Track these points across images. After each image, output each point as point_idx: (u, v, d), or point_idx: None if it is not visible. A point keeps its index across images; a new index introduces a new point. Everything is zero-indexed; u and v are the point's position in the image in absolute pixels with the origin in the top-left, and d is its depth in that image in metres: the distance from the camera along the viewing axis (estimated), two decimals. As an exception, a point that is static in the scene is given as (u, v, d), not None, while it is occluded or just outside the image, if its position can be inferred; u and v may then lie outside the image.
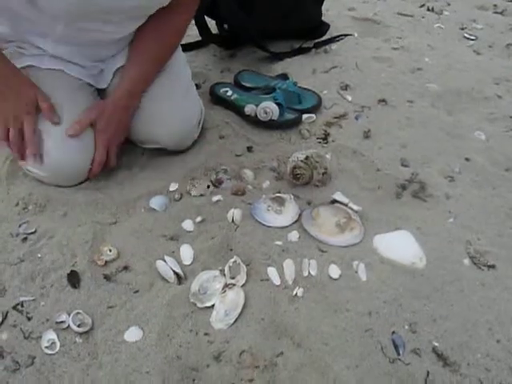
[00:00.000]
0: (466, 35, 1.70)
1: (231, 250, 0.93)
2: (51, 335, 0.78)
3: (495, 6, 1.97)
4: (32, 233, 0.95)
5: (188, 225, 0.97)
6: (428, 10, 1.91)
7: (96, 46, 1.06)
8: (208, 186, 1.05)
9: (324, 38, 1.65)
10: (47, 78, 1.01)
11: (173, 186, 1.06)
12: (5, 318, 0.81)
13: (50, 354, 0.75)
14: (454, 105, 1.35)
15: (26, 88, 0.95)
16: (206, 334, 0.79)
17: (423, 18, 1.86)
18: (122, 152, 1.13)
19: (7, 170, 1.11)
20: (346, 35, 1.69)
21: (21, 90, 0.92)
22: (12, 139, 0.96)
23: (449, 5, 1.95)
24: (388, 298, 0.84)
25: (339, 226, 0.97)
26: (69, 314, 0.80)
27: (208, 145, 1.18)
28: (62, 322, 0.79)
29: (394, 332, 0.78)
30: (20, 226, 0.97)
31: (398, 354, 0.76)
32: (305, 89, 1.34)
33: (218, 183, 1.07)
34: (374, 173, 1.11)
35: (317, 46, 1.61)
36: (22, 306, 0.82)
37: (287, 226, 0.97)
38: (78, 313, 0.80)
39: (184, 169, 1.11)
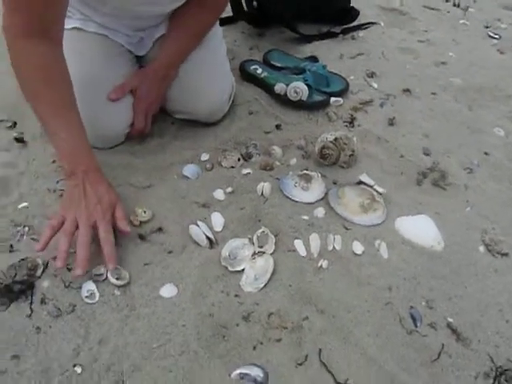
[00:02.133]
0: (490, 34, 1.72)
1: (259, 220, 0.97)
2: (91, 286, 0.82)
3: (520, 6, 1.99)
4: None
5: (219, 194, 1.02)
6: (454, 5, 1.92)
7: (139, 20, 1.09)
8: (238, 159, 1.09)
9: (352, 24, 1.67)
10: (91, 42, 1.04)
11: (204, 156, 1.10)
12: (46, 267, 0.85)
13: (90, 304, 0.80)
14: (476, 100, 1.38)
15: (109, 197, 0.88)
16: (236, 296, 0.84)
17: (448, 12, 1.88)
18: (154, 121, 1.16)
19: (40, 129, 1.14)
20: (372, 23, 1.71)
21: (104, 196, 0.87)
22: (83, 240, 0.82)
23: (474, 2, 1.97)
24: (407, 276, 0.89)
25: (363, 206, 1.01)
26: (107, 268, 0.85)
27: (238, 120, 1.22)
28: (100, 274, 0.84)
29: (411, 306, 0.84)
30: (57, 182, 1.00)
31: (416, 326, 0.81)
32: (333, 73, 1.37)
33: (247, 157, 1.11)
34: (397, 159, 1.15)
35: (344, 31, 1.63)
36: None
37: (313, 203, 1.02)
38: (116, 267, 0.85)
39: (215, 141, 1.15)
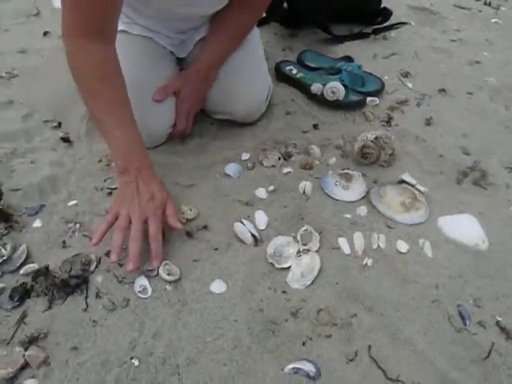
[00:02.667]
0: (523, 32, 1.71)
1: (302, 219, 0.98)
2: (143, 281, 0.85)
3: (553, 4, 1.97)
4: (116, 188, 1.01)
5: (261, 192, 1.03)
6: (485, 3, 1.91)
7: (180, 22, 1.11)
8: (279, 158, 1.10)
9: (383, 24, 1.67)
10: (136, 44, 1.07)
11: (244, 156, 1.12)
12: (99, 262, 0.88)
13: (143, 298, 0.82)
14: (512, 100, 1.38)
15: (161, 194, 0.90)
16: (283, 292, 0.85)
17: (480, 11, 1.87)
18: (194, 121, 1.18)
19: (85, 128, 1.18)
20: (403, 23, 1.71)
21: (156, 194, 0.89)
22: (135, 235, 0.84)
23: (506, 0, 1.95)
24: (453, 274, 0.89)
25: (404, 205, 1.02)
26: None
27: (275, 120, 1.23)
28: (152, 270, 0.86)
29: (459, 305, 0.84)
30: (105, 180, 1.03)
31: (465, 324, 0.81)
32: (368, 73, 1.38)
33: (287, 156, 1.12)
34: (436, 158, 1.15)
35: (376, 32, 1.64)
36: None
37: (355, 201, 1.02)
38: (167, 263, 0.87)
39: (254, 140, 1.16)
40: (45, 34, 1.57)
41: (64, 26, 0.86)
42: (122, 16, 1.06)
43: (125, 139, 0.89)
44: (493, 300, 0.85)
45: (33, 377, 0.72)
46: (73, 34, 0.86)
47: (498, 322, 0.82)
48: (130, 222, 0.86)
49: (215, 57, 1.11)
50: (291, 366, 0.74)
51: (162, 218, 0.88)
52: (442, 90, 1.38)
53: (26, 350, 0.73)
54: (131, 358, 0.74)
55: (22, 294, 0.81)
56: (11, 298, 0.80)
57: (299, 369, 0.74)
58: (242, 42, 1.15)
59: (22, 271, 0.85)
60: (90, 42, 0.85)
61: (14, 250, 0.88)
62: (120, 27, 1.05)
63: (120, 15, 1.03)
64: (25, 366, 0.72)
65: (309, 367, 0.74)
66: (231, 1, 1.07)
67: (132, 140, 0.90)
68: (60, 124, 1.18)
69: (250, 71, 1.17)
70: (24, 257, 0.87)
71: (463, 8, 1.88)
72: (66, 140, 1.13)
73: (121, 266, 0.87)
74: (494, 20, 1.81)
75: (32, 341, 0.75)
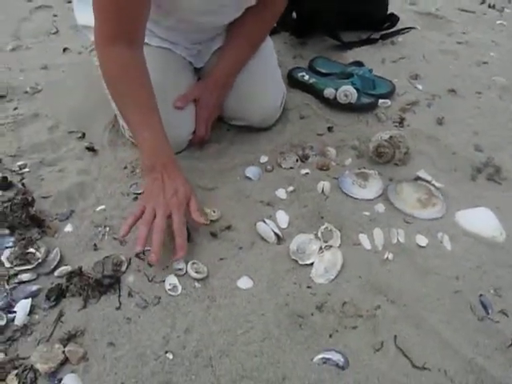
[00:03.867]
0: (528, 32, 1.75)
1: (322, 217, 1.01)
2: (173, 280, 0.88)
3: (556, 4, 2.01)
4: (141, 193, 1.05)
5: (281, 193, 1.06)
6: (489, 6, 1.95)
7: (198, 33, 1.16)
8: (296, 160, 1.14)
9: (390, 30, 1.71)
10: (156, 55, 1.11)
11: (263, 159, 1.15)
12: (129, 263, 0.91)
13: (174, 296, 0.85)
14: (521, 97, 1.40)
15: (184, 189, 0.94)
16: (308, 287, 0.88)
17: (485, 14, 1.91)
18: (212, 128, 1.22)
19: (108, 138, 1.23)
20: (410, 28, 1.75)
21: (180, 189, 0.93)
22: (159, 226, 0.88)
23: (510, 2, 1.99)
24: (473, 266, 0.91)
25: (421, 201, 1.04)
26: (186, 263, 0.90)
27: (290, 124, 1.27)
28: (180, 269, 0.89)
29: (481, 294, 0.86)
30: (131, 186, 1.07)
31: (487, 313, 0.83)
32: (378, 76, 1.41)
33: (304, 158, 1.15)
34: (450, 156, 1.18)
35: (383, 37, 1.68)
36: (143, 254, 0.92)
37: (373, 199, 1.05)
38: (194, 262, 0.90)
39: (271, 144, 1.20)
40: (64, 50, 1.63)
41: (96, 33, 0.93)
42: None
43: (151, 139, 0.94)
44: (513, 289, 0.87)
45: (72, 371, 0.75)
46: (104, 40, 0.93)
47: (519, 311, 0.84)
48: (155, 217, 0.90)
49: (232, 65, 1.16)
50: (320, 356, 0.76)
51: (185, 212, 0.92)
52: (452, 91, 1.41)
53: (64, 346, 0.77)
54: (165, 352, 0.77)
55: (57, 295, 0.84)
56: (48, 298, 0.84)
57: (328, 359, 0.76)
58: (257, 49, 1.19)
59: (56, 273, 0.88)
60: (119, 47, 0.92)
61: (48, 253, 0.92)
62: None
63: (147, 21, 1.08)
64: (65, 361, 0.75)
65: (337, 357, 0.76)
66: (246, 10, 1.12)
67: (158, 140, 0.95)
68: (84, 134, 1.23)
69: (265, 78, 1.21)
70: (57, 259, 0.90)
71: (468, 11, 1.92)
72: (90, 149, 1.17)
73: (150, 266, 0.90)
74: (498, 22, 1.84)
75: (70, 338, 0.78)
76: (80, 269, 0.88)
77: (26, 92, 1.39)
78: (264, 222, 0.98)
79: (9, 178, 1.08)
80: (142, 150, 0.96)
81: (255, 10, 1.13)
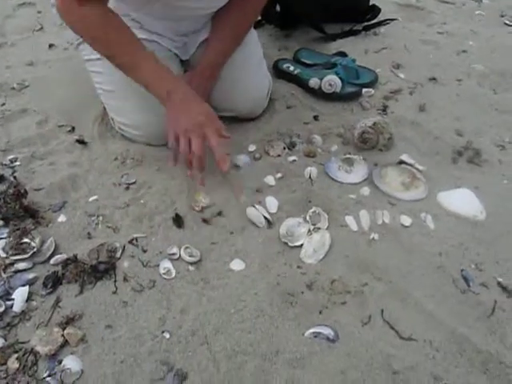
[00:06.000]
0: (506, 21, 1.79)
1: (310, 201, 1.05)
2: (167, 264, 0.90)
3: (532, -5, 2.06)
4: (133, 183, 1.08)
5: (270, 180, 1.09)
6: (468, -3, 2.00)
7: (183, 21, 1.18)
8: (284, 148, 1.17)
9: (372, 21, 1.75)
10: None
11: (251, 147, 1.18)
12: (123, 250, 0.93)
13: (168, 279, 0.88)
14: (500, 84, 1.45)
15: (207, 107, 1.02)
16: (298, 267, 0.91)
17: (464, 5, 1.95)
18: (200, 118, 1.25)
19: (98, 130, 1.24)
20: (392, 19, 1.79)
21: (201, 103, 1.01)
22: (198, 151, 0.98)
23: (487, -7, 2.04)
24: (455, 243, 0.95)
25: (404, 184, 1.08)
26: (179, 248, 0.93)
27: (277, 113, 1.30)
28: (173, 253, 0.92)
29: (462, 269, 0.90)
30: (122, 176, 1.09)
31: (468, 285, 0.87)
32: (362, 66, 1.45)
33: (291, 146, 1.18)
34: (432, 141, 1.22)
35: (366, 28, 1.71)
36: (136, 241, 0.95)
37: (358, 183, 1.09)
38: (187, 247, 0.93)
39: (259, 133, 1.23)
40: (50, 46, 1.63)
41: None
42: (128, 21, 1.13)
43: (152, 70, 0.99)
44: (493, 264, 0.92)
45: (72, 353, 0.77)
46: (70, 5, 0.95)
47: (499, 283, 0.88)
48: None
49: (218, 56, 1.18)
50: (311, 330, 0.80)
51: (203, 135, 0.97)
52: (433, 79, 1.45)
53: (63, 329, 0.79)
54: (162, 332, 0.79)
55: (54, 281, 0.86)
56: (44, 285, 0.86)
57: (319, 333, 0.79)
58: (242, 41, 1.22)
59: (52, 261, 0.90)
60: (90, 8, 0.96)
61: (43, 243, 0.94)
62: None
63: (125, 19, 1.09)
64: (64, 344, 0.78)
65: (328, 331, 0.80)
66: (229, 3, 1.15)
67: (159, 68, 1.00)
68: (74, 128, 1.24)
69: (251, 69, 1.24)
70: (52, 248, 0.92)
71: (447, 2, 1.97)
72: (81, 142, 1.19)
73: (144, 251, 0.93)
74: (477, 12, 1.89)
75: (68, 322, 0.80)
76: (75, 256, 0.90)
77: (13, 88, 1.40)
78: (254, 207, 1.01)
79: (0, 172, 1.09)
80: (148, 85, 1.00)
81: (238, 1, 1.15)
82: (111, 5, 1.07)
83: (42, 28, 1.77)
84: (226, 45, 1.19)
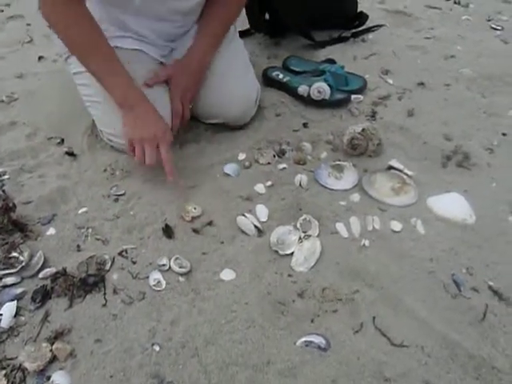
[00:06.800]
0: (492, 26, 1.81)
1: (300, 209, 1.04)
2: (157, 275, 0.90)
3: (518, -1, 2.09)
4: (122, 194, 1.08)
5: (260, 188, 1.09)
6: (455, 3, 2.01)
7: (170, 19, 1.18)
8: (274, 156, 1.17)
9: (361, 28, 1.76)
10: (131, 57, 1.12)
11: (241, 156, 1.18)
12: (112, 262, 0.93)
13: (158, 291, 0.88)
14: (488, 88, 1.46)
15: (162, 122, 1.08)
16: (289, 276, 0.91)
17: (451, 10, 1.97)
18: (189, 128, 1.25)
19: (87, 142, 1.24)
20: (380, 26, 1.80)
21: (157, 118, 1.07)
22: (150, 162, 1.04)
23: (474, -2, 2.07)
24: (445, 248, 0.95)
25: (394, 189, 1.08)
26: (169, 259, 0.92)
27: (267, 121, 1.30)
28: (163, 264, 0.92)
29: (453, 274, 0.90)
30: (111, 188, 1.09)
31: (459, 290, 0.87)
32: (350, 73, 1.46)
33: (281, 153, 1.19)
34: (421, 146, 1.22)
35: (354, 35, 1.73)
36: (126, 252, 0.94)
37: (348, 190, 1.09)
38: (177, 258, 0.92)
39: (248, 141, 1.23)
40: (39, 58, 1.63)
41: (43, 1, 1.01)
42: (115, 30, 1.13)
43: (121, 83, 1.05)
44: (483, 267, 0.92)
45: (61, 369, 0.76)
46: (53, 4, 1.01)
47: (490, 287, 0.88)
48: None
49: (204, 50, 1.19)
50: (303, 339, 0.79)
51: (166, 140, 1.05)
52: (421, 84, 1.46)
53: (52, 344, 0.78)
54: (152, 345, 0.79)
55: (43, 296, 0.85)
56: (33, 299, 0.85)
57: (310, 342, 0.79)
58: (227, 32, 1.24)
59: (40, 275, 0.90)
60: (70, 4, 1.00)
61: (31, 256, 0.93)
62: (113, 43, 1.11)
63: (107, 32, 1.09)
64: (53, 359, 0.77)
65: (319, 340, 0.79)
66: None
67: (127, 82, 1.06)
68: (63, 140, 1.24)
69: (237, 76, 1.25)
70: (41, 262, 0.92)
71: (435, 8, 1.99)
72: (70, 154, 1.18)
73: (133, 263, 0.92)
74: (464, 17, 1.91)
75: (57, 336, 0.79)
76: (64, 270, 0.89)
77: (2, 101, 1.40)
78: (244, 216, 1.00)
79: (-12, 186, 1.08)
80: (113, 95, 1.06)
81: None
82: (98, 9, 1.10)
83: (31, 40, 1.77)
84: (211, 40, 1.21)
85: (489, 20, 1.87)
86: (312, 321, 0.83)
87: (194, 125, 1.28)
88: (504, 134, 1.26)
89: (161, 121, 1.07)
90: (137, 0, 1.10)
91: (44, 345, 0.78)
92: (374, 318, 0.83)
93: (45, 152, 1.21)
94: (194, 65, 1.17)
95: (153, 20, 1.16)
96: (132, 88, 1.06)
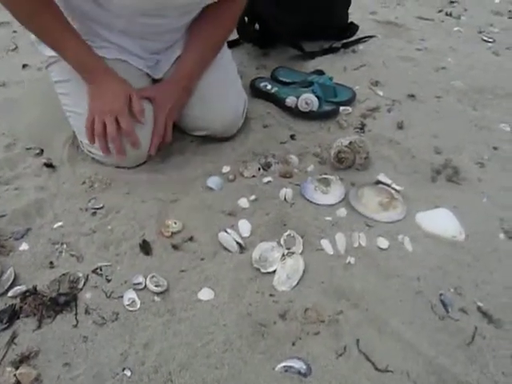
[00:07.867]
0: (484, 38, 1.80)
1: (285, 224, 1.01)
2: (131, 294, 0.86)
3: (510, 11, 2.08)
4: (100, 208, 1.04)
5: (243, 202, 1.06)
6: (446, 14, 2.01)
7: (154, 39, 1.15)
8: (259, 169, 1.14)
9: (351, 39, 1.74)
10: (116, 68, 1.09)
11: (225, 169, 1.15)
12: (86, 280, 0.89)
13: (132, 311, 0.83)
14: (479, 100, 1.44)
15: (123, 88, 1.05)
16: (271, 295, 0.87)
17: (442, 22, 1.96)
18: (174, 139, 1.21)
19: (67, 153, 1.20)
20: (371, 37, 1.79)
21: (117, 89, 1.05)
22: (111, 133, 1.03)
23: (466, 10, 2.06)
24: (433, 266, 0.92)
25: (382, 204, 1.05)
26: (145, 277, 0.88)
27: (253, 133, 1.27)
28: (138, 283, 0.87)
29: (441, 294, 0.87)
30: (89, 201, 1.05)
31: (447, 311, 0.84)
32: (339, 84, 1.43)
33: (267, 166, 1.15)
34: (410, 159, 1.19)
35: (345, 46, 1.71)
36: (101, 270, 0.90)
37: (334, 204, 1.06)
38: (153, 276, 0.88)
39: (234, 154, 1.20)
40: (24, 66, 1.60)
41: None
42: (99, 41, 1.10)
43: (78, 52, 1.03)
44: (473, 287, 0.88)
45: (25, 395, 0.71)
46: None
47: (479, 308, 0.84)
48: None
49: (193, 67, 1.16)
50: (282, 364, 0.75)
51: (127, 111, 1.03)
52: (411, 96, 1.44)
53: (16, 369, 0.73)
54: (123, 369, 0.74)
55: (10, 316, 0.81)
56: (0, 320, 0.81)
57: (290, 367, 0.75)
58: (218, 52, 1.20)
59: (10, 293, 0.85)
60: None
61: (1, 273, 0.88)
62: (98, 54, 1.09)
63: (92, 42, 1.07)
64: (16, 385, 0.72)
65: (299, 364, 0.75)
66: (203, 14, 1.14)
67: (84, 50, 1.04)
68: (42, 151, 1.20)
69: (225, 87, 1.22)
70: (11, 279, 0.87)
71: (426, 19, 1.98)
72: (49, 165, 1.14)
73: (108, 281, 0.88)
74: (455, 29, 1.90)
75: (23, 360, 0.75)
76: (35, 288, 0.85)
77: (-17, 110, 1.36)
78: (226, 231, 0.97)
79: (-38, 198, 1.04)
80: (72, 64, 1.04)
81: (213, 12, 1.14)
82: (80, 24, 1.06)
83: (16, 48, 1.74)
84: (203, 55, 1.18)
85: (480, 32, 1.86)
86: (293, 344, 0.79)
87: (181, 136, 1.24)
88: (495, 148, 1.23)
89: (121, 89, 1.05)
90: (120, 24, 1.08)
91: (8, 369, 0.73)
92: (357, 340, 0.79)
93: (23, 163, 1.17)
94: (183, 83, 1.14)
95: (137, 39, 1.14)
96: (90, 55, 1.04)
